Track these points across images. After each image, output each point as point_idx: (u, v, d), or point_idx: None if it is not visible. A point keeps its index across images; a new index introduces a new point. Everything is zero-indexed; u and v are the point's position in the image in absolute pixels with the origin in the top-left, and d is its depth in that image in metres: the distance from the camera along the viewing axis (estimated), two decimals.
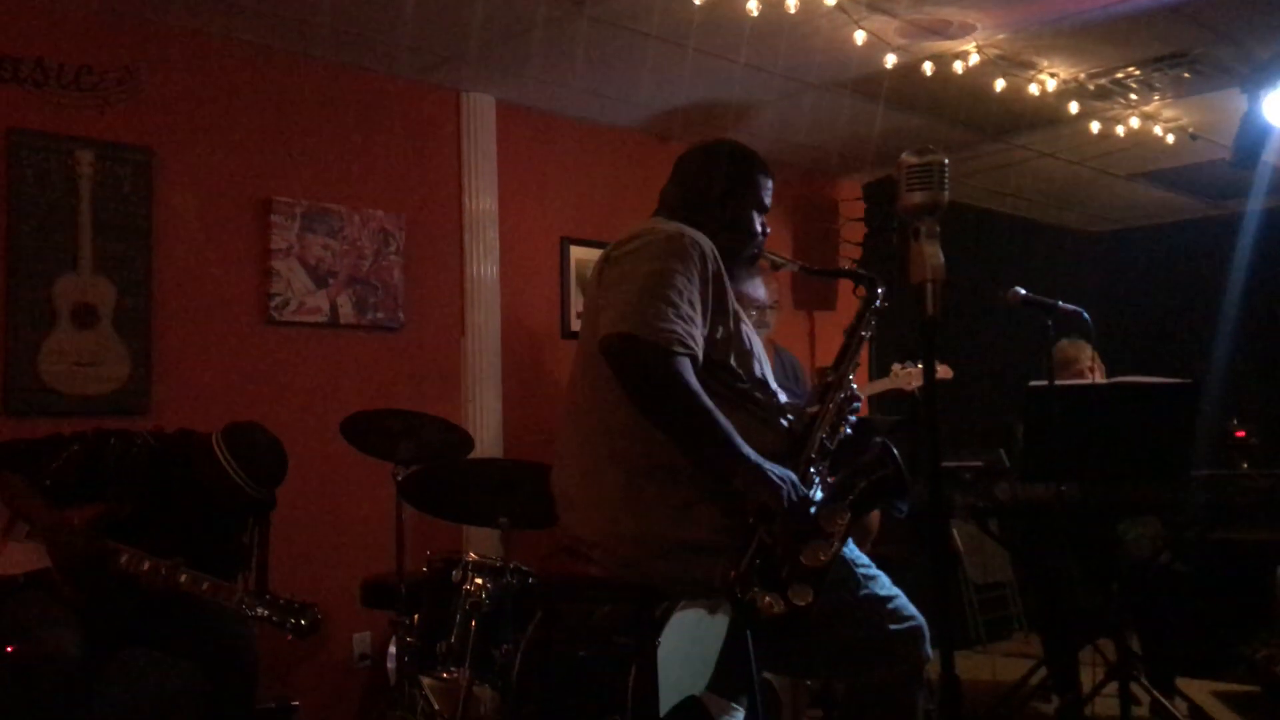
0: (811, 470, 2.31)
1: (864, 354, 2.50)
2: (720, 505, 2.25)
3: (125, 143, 3.92)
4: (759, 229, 2.56)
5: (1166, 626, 4.38)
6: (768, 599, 2.17)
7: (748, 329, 2.45)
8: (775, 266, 2.65)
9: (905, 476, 2.31)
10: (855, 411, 2.50)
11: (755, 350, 2.44)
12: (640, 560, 2.30)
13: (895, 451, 2.33)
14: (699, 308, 2.27)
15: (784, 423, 2.41)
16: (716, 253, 2.37)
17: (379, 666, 4.29)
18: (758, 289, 2.59)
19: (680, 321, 2.21)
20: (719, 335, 2.33)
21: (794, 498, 2.21)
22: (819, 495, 2.30)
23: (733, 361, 2.35)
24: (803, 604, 2.17)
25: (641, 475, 2.29)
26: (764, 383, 2.42)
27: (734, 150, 2.62)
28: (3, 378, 3.67)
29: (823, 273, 2.60)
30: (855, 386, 2.48)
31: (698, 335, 2.25)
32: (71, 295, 3.79)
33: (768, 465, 2.21)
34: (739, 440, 2.20)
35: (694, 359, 2.23)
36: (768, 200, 2.58)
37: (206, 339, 4.12)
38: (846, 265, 6.00)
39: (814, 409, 2.39)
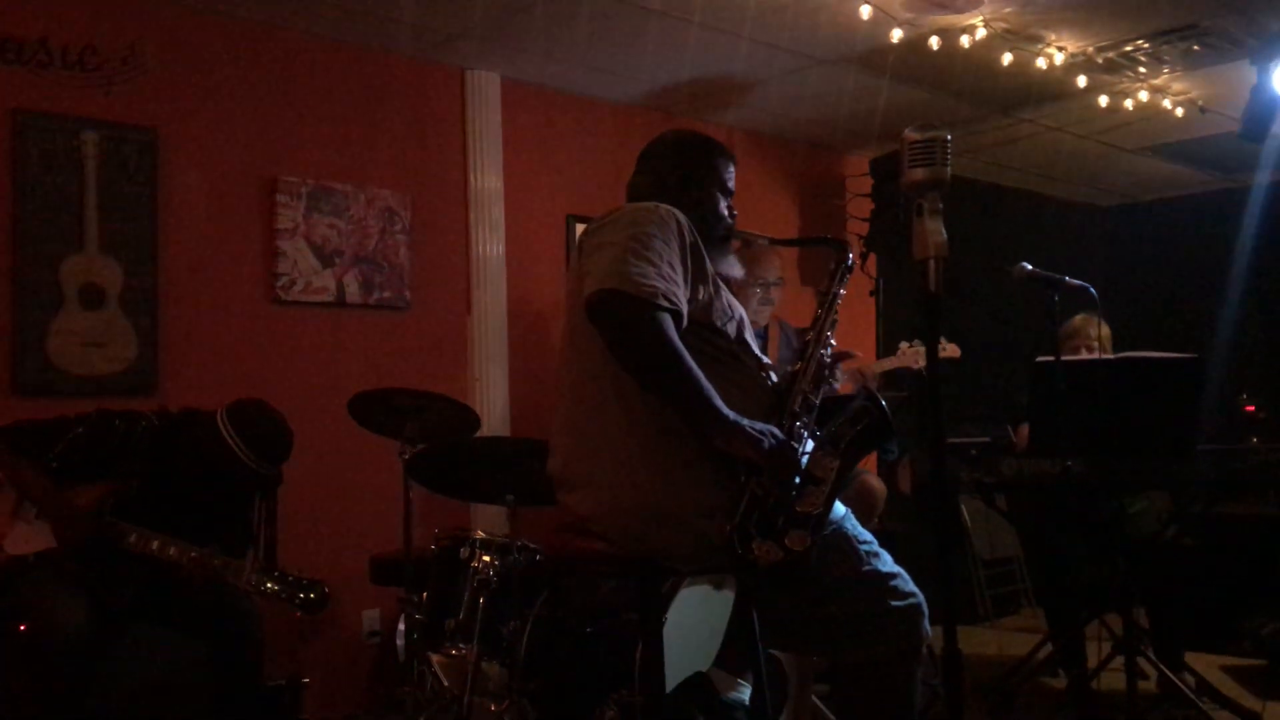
0: (798, 425, 2.35)
1: (839, 311, 2.59)
2: (712, 465, 2.27)
3: (130, 123, 3.92)
4: (725, 211, 2.64)
5: (1173, 601, 4.38)
6: (764, 546, 2.20)
7: (729, 298, 2.50)
8: (745, 243, 2.73)
9: (890, 419, 2.36)
10: (837, 364, 2.60)
11: (738, 316, 2.50)
12: (645, 533, 2.32)
13: (879, 397, 2.38)
14: (679, 269, 2.32)
15: (769, 379, 2.46)
16: (692, 225, 2.42)
17: (388, 643, 4.32)
18: (733, 268, 2.66)
19: (661, 279, 2.24)
20: (700, 297, 2.38)
21: (775, 446, 2.23)
22: (809, 447, 2.33)
23: (716, 322, 2.41)
24: (800, 549, 2.20)
25: (633, 447, 2.31)
26: (748, 345, 2.48)
27: (692, 138, 2.73)
28: (11, 358, 3.68)
29: (790, 242, 2.71)
30: (834, 342, 2.55)
31: (679, 294, 2.28)
32: (78, 276, 3.80)
33: (746, 422, 2.24)
34: (717, 398, 2.23)
35: (677, 315, 2.27)
36: (731, 184, 2.68)
37: (213, 319, 4.13)
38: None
39: (796, 366, 2.44)
